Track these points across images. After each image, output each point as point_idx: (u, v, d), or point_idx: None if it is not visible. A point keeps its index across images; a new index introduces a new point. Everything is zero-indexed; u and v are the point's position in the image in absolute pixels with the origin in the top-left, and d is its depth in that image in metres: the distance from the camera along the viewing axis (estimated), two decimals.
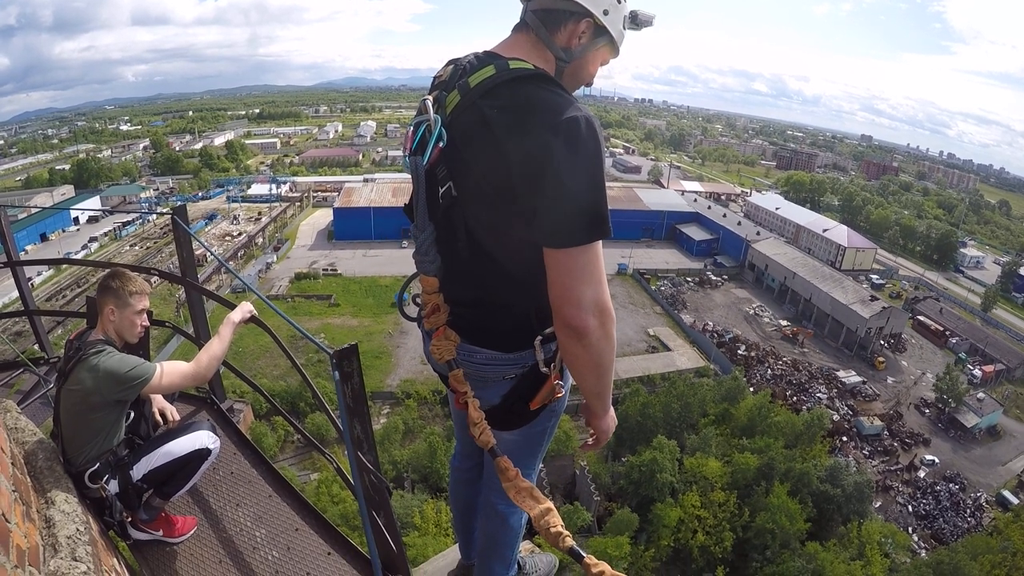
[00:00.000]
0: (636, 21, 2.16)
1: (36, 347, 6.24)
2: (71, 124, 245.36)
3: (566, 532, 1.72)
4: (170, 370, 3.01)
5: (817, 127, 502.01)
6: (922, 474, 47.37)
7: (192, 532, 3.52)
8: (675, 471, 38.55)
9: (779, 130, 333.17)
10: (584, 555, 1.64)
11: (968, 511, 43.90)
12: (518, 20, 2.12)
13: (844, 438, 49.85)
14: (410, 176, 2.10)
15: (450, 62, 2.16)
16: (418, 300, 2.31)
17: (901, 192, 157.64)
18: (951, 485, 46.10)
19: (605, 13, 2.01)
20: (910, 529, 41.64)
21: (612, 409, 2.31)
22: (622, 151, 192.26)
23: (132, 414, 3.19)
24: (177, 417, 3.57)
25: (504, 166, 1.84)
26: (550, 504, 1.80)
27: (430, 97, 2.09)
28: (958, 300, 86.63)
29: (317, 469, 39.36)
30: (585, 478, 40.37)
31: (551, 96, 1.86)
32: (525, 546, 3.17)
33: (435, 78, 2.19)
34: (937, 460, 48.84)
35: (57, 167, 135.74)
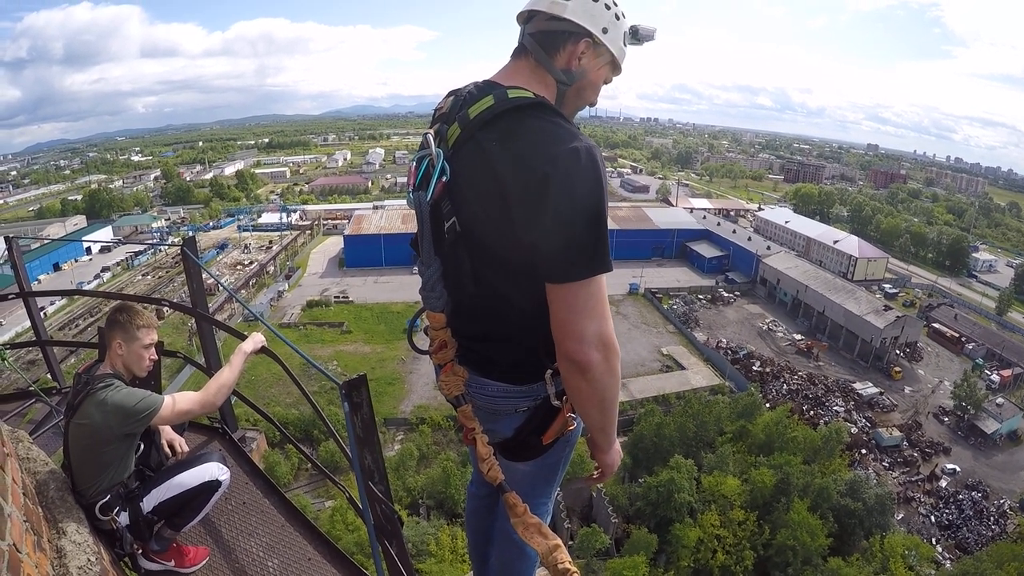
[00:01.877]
0: (637, 36, 2.14)
1: (49, 376, 6.27)
2: (82, 155, 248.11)
3: (574, 569, 1.70)
4: (179, 400, 3.00)
5: (823, 138, 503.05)
6: (944, 483, 46.83)
7: (204, 562, 3.51)
8: (693, 490, 38.31)
9: (785, 143, 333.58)
10: None
11: (992, 519, 43.31)
12: (516, 45, 2.11)
13: (863, 451, 49.41)
14: (415, 211, 2.07)
15: (450, 93, 2.15)
16: (428, 332, 2.28)
17: (910, 199, 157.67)
18: (974, 493, 45.55)
19: (604, 31, 2.00)
20: (933, 540, 41.10)
21: (617, 442, 2.28)
22: (629, 171, 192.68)
23: (142, 446, 3.19)
24: (186, 449, 3.57)
25: (503, 200, 1.83)
26: (558, 540, 1.79)
27: (431, 131, 2.07)
28: (972, 305, 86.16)
29: (332, 497, 39.17)
30: (602, 500, 40.11)
31: (550, 126, 1.84)
32: (539, 573, 3.13)
33: (436, 110, 2.17)
34: (958, 468, 48.32)
35: (69, 197, 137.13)
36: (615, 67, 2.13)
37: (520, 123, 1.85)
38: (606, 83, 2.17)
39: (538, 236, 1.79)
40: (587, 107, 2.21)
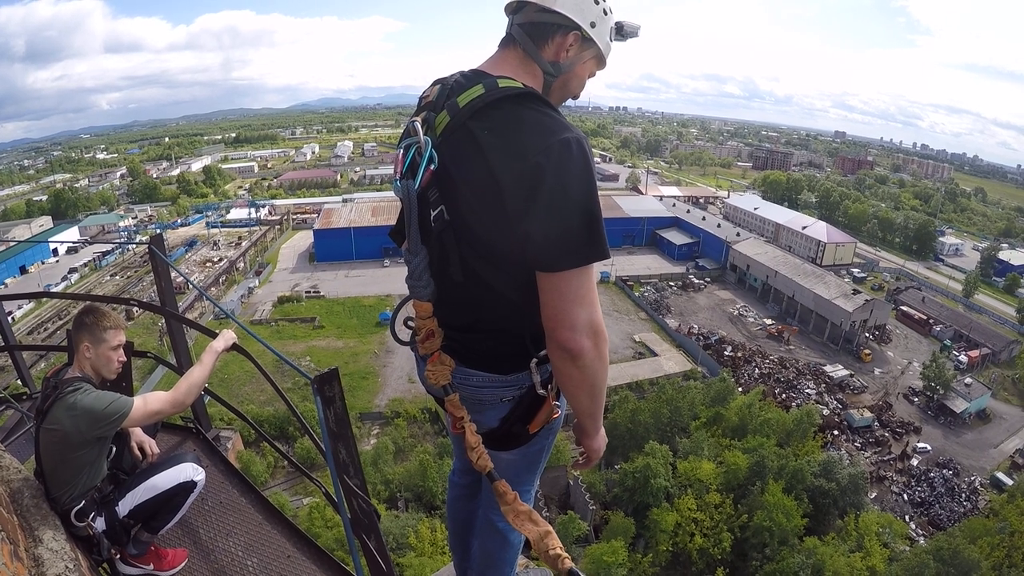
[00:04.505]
0: (622, 32, 2.14)
1: (19, 382, 6.17)
2: (47, 154, 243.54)
3: (565, 555, 1.69)
4: (149, 400, 2.97)
5: (791, 126, 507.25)
6: (915, 462, 47.69)
7: (183, 564, 3.48)
8: (669, 475, 38.59)
9: (753, 131, 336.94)
10: None
11: (963, 495, 44.25)
12: (504, 35, 2.10)
13: (835, 432, 50.07)
14: (400, 199, 2.02)
15: (436, 81, 2.12)
16: (410, 324, 2.26)
17: (877, 185, 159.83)
18: (945, 471, 46.45)
19: (592, 25, 2.00)
20: (907, 517, 41.90)
21: (603, 429, 2.29)
22: (599, 160, 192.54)
23: (114, 449, 3.15)
24: (156, 450, 3.53)
25: (496, 189, 1.82)
26: (549, 527, 1.77)
27: (419, 118, 2.04)
28: (940, 288, 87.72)
29: (310, 494, 38.98)
30: (579, 488, 40.28)
31: (541, 117, 1.85)
32: (519, 561, 3.15)
33: (422, 98, 2.14)
34: (929, 447, 49.24)
35: (34, 198, 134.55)
36: (600, 61, 2.14)
37: (512, 113, 1.85)
38: (590, 76, 2.18)
39: (530, 225, 1.79)
40: (570, 99, 2.21)
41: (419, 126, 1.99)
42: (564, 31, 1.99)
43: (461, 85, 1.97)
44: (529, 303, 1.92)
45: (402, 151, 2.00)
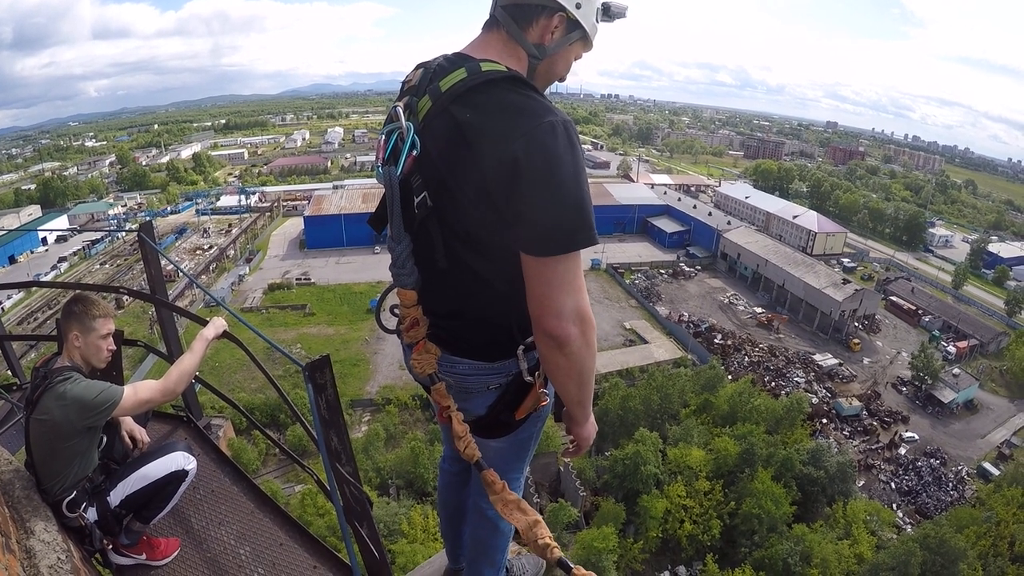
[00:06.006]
0: (609, 13, 2.09)
1: (9, 373, 6.12)
2: (35, 142, 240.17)
3: (554, 544, 1.68)
4: (140, 389, 2.95)
5: (783, 115, 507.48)
6: (903, 451, 47.97)
7: (175, 554, 3.47)
8: (659, 462, 38.76)
9: (745, 120, 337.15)
10: (573, 566, 1.61)
11: (950, 485, 44.60)
12: (488, 17, 2.06)
13: (824, 420, 50.35)
14: (383, 186, 2.02)
15: (419, 65, 2.09)
16: (396, 312, 2.24)
17: (868, 176, 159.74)
18: (932, 460, 46.76)
19: (578, 7, 1.95)
20: (894, 506, 42.20)
21: (592, 416, 2.26)
22: (590, 147, 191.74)
23: (105, 438, 3.14)
24: (146, 439, 3.52)
25: (480, 174, 1.79)
26: (537, 516, 1.76)
27: (401, 104, 2.02)
28: (929, 279, 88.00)
29: (302, 481, 38.91)
30: (570, 475, 40.43)
31: (525, 100, 1.81)
32: (512, 548, 3.15)
33: (404, 83, 2.11)
34: (917, 436, 49.54)
35: (23, 187, 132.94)
36: (586, 43, 2.09)
37: (495, 96, 1.82)
38: (576, 59, 2.13)
39: (515, 211, 1.77)
40: (556, 82, 2.17)
41: (401, 111, 1.98)
42: (549, 12, 1.95)
43: (444, 69, 1.94)
44: (515, 290, 1.89)
45: (384, 137, 2.00)
